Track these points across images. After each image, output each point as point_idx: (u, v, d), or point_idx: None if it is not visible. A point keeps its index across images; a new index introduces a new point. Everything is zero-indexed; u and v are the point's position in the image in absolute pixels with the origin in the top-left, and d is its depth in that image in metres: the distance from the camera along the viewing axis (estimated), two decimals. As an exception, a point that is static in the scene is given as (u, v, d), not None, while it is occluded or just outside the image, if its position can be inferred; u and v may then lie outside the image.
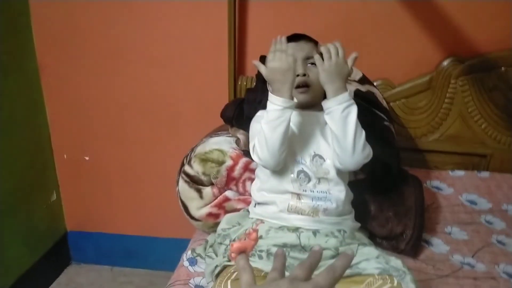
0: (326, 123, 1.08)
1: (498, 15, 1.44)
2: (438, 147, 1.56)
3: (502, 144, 1.53)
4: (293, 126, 1.09)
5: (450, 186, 1.48)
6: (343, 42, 1.52)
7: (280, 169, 1.07)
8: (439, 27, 1.49)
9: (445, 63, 1.48)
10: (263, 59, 1.08)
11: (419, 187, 1.29)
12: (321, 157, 1.07)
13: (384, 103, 1.39)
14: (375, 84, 1.49)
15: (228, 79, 1.58)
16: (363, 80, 1.39)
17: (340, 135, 1.00)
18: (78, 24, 1.67)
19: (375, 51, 1.54)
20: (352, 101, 1.01)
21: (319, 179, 1.06)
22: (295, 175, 1.06)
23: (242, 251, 0.92)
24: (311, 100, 1.11)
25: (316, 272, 0.60)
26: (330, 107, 1.01)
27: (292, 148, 1.07)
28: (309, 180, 1.06)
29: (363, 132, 1.03)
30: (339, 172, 1.07)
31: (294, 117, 1.10)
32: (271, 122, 1.01)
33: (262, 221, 1.05)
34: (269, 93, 1.03)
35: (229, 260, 1.01)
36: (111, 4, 1.62)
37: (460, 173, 1.53)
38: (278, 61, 1.01)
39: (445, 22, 1.48)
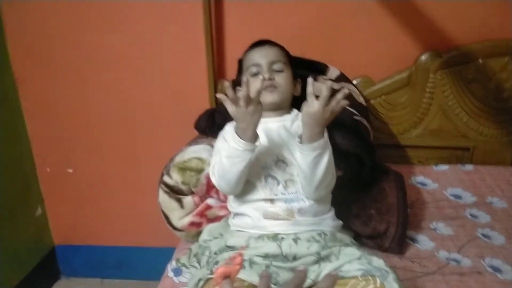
0: (291, 130, 1.09)
1: (473, 6, 1.44)
2: (421, 142, 1.56)
3: (484, 136, 1.52)
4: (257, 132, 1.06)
5: (434, 181, 1.48)
6: (321, 41, 1.53)
7: (248, 180, 1.06)
8: (415, 21, 1.49)
9: (423, 57, 1.47)
10: (237, 84, 1.08)
11: (401, 182, 1.27)
12: (284, 162, 1.07)
13: (361, 99, 1.38)
14: (354, 82, 1.48)
15: (208, 85, 1.57)
16: (340, 78, 1.38)
17: (308, 175, 0.99)
18: (52, 35, 1.65)
19: (353, 48, 1.54)
20: (327, 145, 0.98)
21: (286, 181, 1.05)
22: (264, 181, 1.05)
23: (227, 276, 0.91)
24: (279, 101, 1.11)
25: None
26: (303, 150, 0.98)
27: (256, 154, 1.05)
28: (278, 183, 1.05)
29: (332, 169, 1.02)
30: None
31: (260, 124, 1.05)
32: (231, 158, 1.00)
33: (246, 246, 1.02)
34: (233, 131, 0.99)
35: (212, 273, 0.99)
36: (84, 13, 1.60)
37: (444, 167, 1.53)
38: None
39: (421, 16, 1.47)
